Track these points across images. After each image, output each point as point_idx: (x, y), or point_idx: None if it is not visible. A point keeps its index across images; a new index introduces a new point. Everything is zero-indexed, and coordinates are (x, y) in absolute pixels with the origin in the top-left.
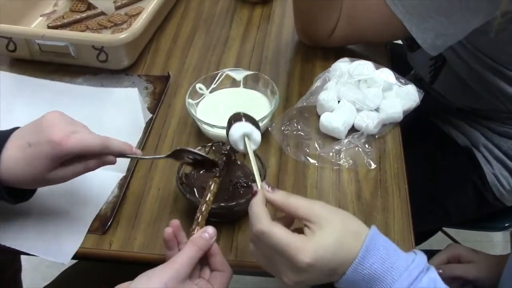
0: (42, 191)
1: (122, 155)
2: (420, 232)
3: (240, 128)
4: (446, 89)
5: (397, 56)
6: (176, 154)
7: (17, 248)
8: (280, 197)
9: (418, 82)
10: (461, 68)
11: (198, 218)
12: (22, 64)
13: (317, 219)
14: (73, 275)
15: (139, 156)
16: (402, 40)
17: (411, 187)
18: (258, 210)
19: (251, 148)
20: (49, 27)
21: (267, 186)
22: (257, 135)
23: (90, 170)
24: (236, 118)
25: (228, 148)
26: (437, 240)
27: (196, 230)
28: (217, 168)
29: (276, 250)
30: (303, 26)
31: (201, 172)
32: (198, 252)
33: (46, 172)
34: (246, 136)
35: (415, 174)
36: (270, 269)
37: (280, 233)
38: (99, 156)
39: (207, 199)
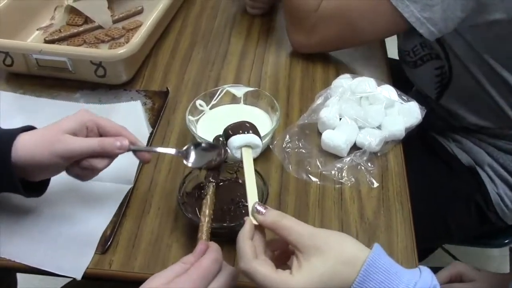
0: (49, 204)
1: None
2: (420, 249)
3: (240, 139)
4: (453, 105)
5: (397, 73)
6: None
7: (27, 263)
8: (271, 219)
9: (422, 98)
10: (469, 84)
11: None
12: (19, 78)
13: (306, 249)
14: None
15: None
16: (405, 58)
17: (413, 204)
18: (242, 245)
19: (251, 164)
20: (45, 41)
21: (259, 207)
22: (256, 144)
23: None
24: (235, 128)
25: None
26: (434, 255)
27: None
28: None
29: (262, 285)
30: (289, 9)
31: (203, 190)
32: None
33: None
34: (246, 147)
35: (417, 192)
36: None
37: (262, 272)
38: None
39: (205, 211)
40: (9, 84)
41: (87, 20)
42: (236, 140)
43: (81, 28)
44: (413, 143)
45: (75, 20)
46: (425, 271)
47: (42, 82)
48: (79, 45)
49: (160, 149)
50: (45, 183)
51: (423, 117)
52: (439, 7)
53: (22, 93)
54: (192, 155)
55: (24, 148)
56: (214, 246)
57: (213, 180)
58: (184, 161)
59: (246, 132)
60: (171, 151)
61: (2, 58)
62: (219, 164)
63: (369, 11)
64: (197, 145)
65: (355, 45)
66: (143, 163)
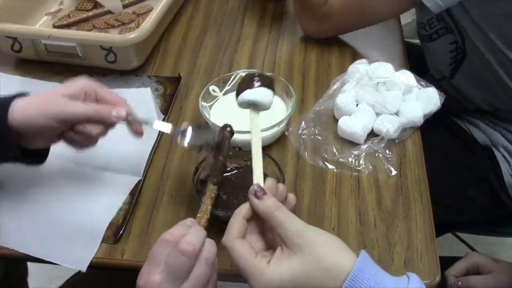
0: (55, 195)
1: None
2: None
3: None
4: (465, 84)
5: (413, 59)
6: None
7: (33, 254)
8: (264, 208)
9: (436, 83)
10: (480, 63)
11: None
12: (27, 64)
13: (291, 247)
14: (83, 280)
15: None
16: (421, 32)
17: (429, 180)
18: (232, 220)
19: (257, 133)
20: (54, 27)
21: (258, 192)
22: (266, 101)
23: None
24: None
25: (224, 156)
26: (449, 243)
27: None
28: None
29: (237, 265)
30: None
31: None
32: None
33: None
34: (252, 106)
35: (433, 169)
36: None
37: (240, 252)
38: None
39: (203, 209)
40: (18, 70)
41: (96, 5)
42: (240, 98)
43: (90, 13)
44: (430, 125)
45: (85, 5)
46: (413, 277)
47: (52, 68)
48: (89, 31)
49: (156, 125)
50: (44, 152)
51: (441, 103)
52: None
53: (32, 78)
54: (189, 135)
55: (20, 110)
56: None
57: (216, 180)
58: (178, 140)
59: (251, 87)
60: (167, 127)
61: (11, 44)
62: (219, 146)
63: None
64: (196, 125)
65: (367, 25)
66: (135, 135)
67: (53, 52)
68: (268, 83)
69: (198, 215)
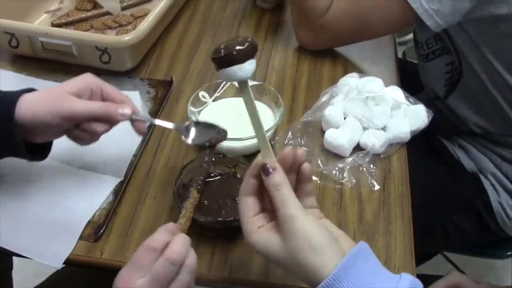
0: (37, 191)
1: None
2: (418, 253)
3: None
4: (459, 105)
5: (410, 75)
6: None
7: (11, 249)
8: (268, 184)
9: (430, 101)
10: (475, 85)
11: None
12: (24, 60)
13: (280, 228)
14: (64, 277)
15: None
16: (419, 50)
17: (413, 207)
18: (246, 179)
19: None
20: (53, 25)
21: (269, 168)
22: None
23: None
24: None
25: (206, 161)
26: (434, 262)
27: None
28: (198, 181)
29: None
30: (298, 8)
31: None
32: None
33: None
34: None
35: (418, 193)
36: None
37: (240, 207)
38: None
39: (187, 215)
40: (14, 65)
41: (96, 5)
42: (225, 74)
43: (89, 13)
44: (418, 143)
45: (84, 4)
46: (405, 277)
47: (47, 66)
48: (86, 30)
49: (158, 121)
50: (47, 147)
51: (429, 121)
52: None
53: (26, 75)
54: (193, 132)
55: (27, 106)
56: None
57: (199, 185)
58: (183, 137)
59: (239, 61)
60: (170, 125)
61: (8, 39)
62: (219, 142)
63: (379, 6)
64: (197, 123)
65: (364, 40)
66: (138, 134)
67: (49, 49)
68: (254, 50)
69: (180, 220)
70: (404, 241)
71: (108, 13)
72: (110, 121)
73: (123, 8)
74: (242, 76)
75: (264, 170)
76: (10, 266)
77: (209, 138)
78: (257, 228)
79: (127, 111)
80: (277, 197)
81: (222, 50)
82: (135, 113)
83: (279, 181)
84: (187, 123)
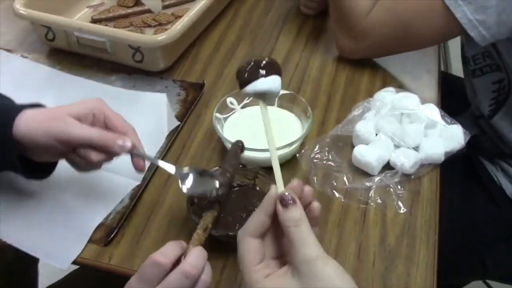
0: (51, 189)
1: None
2: (452, 284)
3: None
4: (504, 126)
5: (456, 90)
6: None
7: (19, 247)
8: (286, 219)
9: (475, 119)
10: None
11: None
12: (59, 54)
13: (296, 270)
14: (77, 278)
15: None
16: (466, 65)
17: (444, 232)
18: (254, 216)
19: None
20: (93, 20)
21: (285, 198)
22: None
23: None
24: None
25: (225, 180)
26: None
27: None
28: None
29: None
30: (337, 9)
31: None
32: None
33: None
34: (261, 97)
35: (452, 219)
36: None
37: (244, 252)
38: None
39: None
40: (49, 58)
41: (137, 2)
42: (251, 88)
43: (130, 10)
44: (456, 165)
45: (126, 1)
46: None
47: (81, 61)
48: (125, 27)
49: (160, 163)
50: (51, 166)
51: (466, 142)
52: (494, 9)
53: (60, 69)
54: (190, 181)
55: (26, 123)
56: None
57: (215, 210)
58: (180, 184)
59: (262, 76)
60: (171, 169)
61: (45, 32)
62: (217, 199)
63: (423, 13)
64: (201, 171)
65: (406, 50)
66: (136, 170)
67: (84, 45)
68: (278, 69)
69: (198, 231)
70: (426, 269)
71: (149, 11)
72: (107, 151)
73: (165, 7)
74: (264, 88)
75: (283, 201)
76: (36, 259)
77: (203, 191)
78: (264, 277)
79: (126, 144)
80: (295, 235)
81: (241, 70)
82: (136, 147)
83: (299, 215)
84: (185, 170)
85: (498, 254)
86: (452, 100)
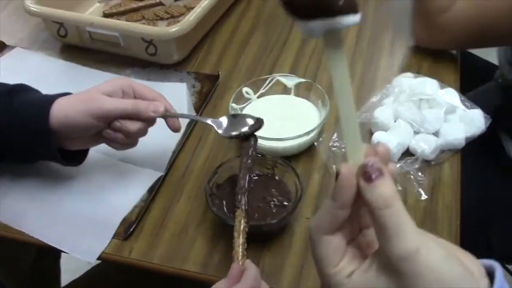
0: (75, 183)
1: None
2: None
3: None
4: None
5: (475, 67)
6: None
7: (45, 241)
8: (376, 198)
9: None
10: None
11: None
12: (72, 50)
13: (389, 266)
14: (98, 275)
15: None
16: None
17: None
18: (327, 209)
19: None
20: (104, 14)
21: (371, 168)
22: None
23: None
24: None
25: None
26: None
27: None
28: (241, 203)
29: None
30: (418, 2)
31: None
32: None
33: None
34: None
35: (467, 199)
36: None
37: (322, 254)
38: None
39: (239, 239)
40: (63, 55)
41: None
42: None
43: (141, 3)
44: (472, 147)
45: None
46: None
47: (95, 56)
48: (137, 21)
49: (195, 117)
50: (83, 155)
51: (486, 127)
52: None
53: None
54: (225, 122)
55: (60, 107)
56: (250, 272)
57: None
58: (216, 129)
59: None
60: (207, 119)
61: (57, 28)
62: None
63: (509, 12)
64: (233, 115)
65: (487, 47)
66: (172, 130)
67: (97, 40)
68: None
69: (239, 249)
70: None
71: (161, 3)
72: (141, 118)
73: None
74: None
75: (366, 174)
76: (58, 255)
77: (242, 129)
78: (346, 276)
79: (159, 108)
80: (387, 220)
81: None
82: (168, 110)
83: (391, 192)
84: (220, 118)
85: (505, 230)
86: (473, 80)
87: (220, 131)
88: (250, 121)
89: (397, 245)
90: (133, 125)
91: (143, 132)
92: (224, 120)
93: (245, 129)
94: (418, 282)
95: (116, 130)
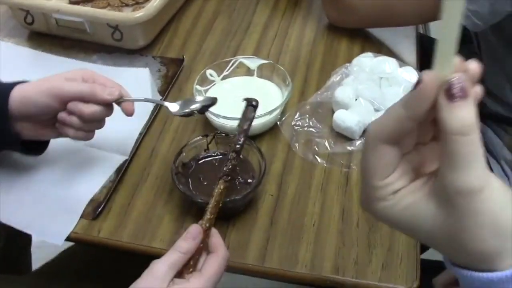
0: (41, 167)
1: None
2: None
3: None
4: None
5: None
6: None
7: (12, 225)
8: (454, 120)
9: None
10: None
11: (204, 218)
12: (39, 37)
13: (444, 195)
14: (68, 257)
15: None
16: None
17: None
18: (392, 115)
19: None
20: (71, 2)
21: (458, 84)
22: None
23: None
24: None
25: (239, 145)
26: None
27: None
28: (226, 169)
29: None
30: None
31: (200, 162)
32: (181, 257)
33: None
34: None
35: None
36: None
37: (371, 162)
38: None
39: (213, 202)
40: (30, 42)
41: None
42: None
43: None
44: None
45: None
46: None
47: (61, 43)
48: (103, 7)
49: (148, 99)
50: (43, 146)
51: None
52: (487, 0)
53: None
54: (179, 104)
55: (18, 91)
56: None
57: (225, 177)
58: (169, 109)
59: None
60: (163, 102)
61: (24, 15)
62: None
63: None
64: (187, 98)
65: (392, 26)
66: (126, 114)
67: (63, 26)
68: None
69: (208, 213)
70: None
71: None
72: (97, 101)
73: None
74: None
75: (450, 90)
76: (29, 242)
77: (192, 106)
78: (391, 193)
79: (115, 91)
80: (459, 148)
81: None
82: (123, 95)
83: (471, 119)
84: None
85: None
86: (431, 61)
87: (173, 111)
88: (202, 99)
89: (461, 178)
90: (88, 108)
91: (97, 119)
92: (178, 103)
93: (196, 106)
94: (470, 222)
95: (71, 113)
